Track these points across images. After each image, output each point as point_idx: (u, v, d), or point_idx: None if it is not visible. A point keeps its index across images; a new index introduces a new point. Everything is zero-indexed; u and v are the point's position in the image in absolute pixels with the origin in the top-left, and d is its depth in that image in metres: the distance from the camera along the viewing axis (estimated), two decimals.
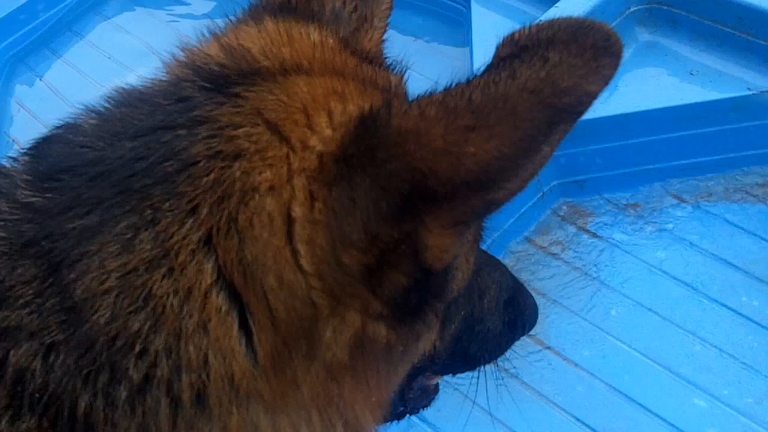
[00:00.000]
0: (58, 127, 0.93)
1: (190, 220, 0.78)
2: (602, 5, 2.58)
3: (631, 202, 2.46)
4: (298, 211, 0.78)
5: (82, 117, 0.94)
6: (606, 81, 0.75)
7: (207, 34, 1.05)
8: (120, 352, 0.75)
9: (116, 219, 0.78)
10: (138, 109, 0.88)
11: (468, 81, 0.75)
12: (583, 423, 1.98)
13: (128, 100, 0.91)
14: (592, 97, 0.75)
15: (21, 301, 0.76)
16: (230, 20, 1.07)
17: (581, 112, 0.76)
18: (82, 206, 0.79)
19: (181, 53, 1.01)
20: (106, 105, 0.93)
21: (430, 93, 0.78)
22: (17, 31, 3.61)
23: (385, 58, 1.10)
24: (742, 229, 2.31)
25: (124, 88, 0.94)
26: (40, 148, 0.90)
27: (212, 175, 0.79)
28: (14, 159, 0.87)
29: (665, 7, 2.66)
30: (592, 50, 0.75)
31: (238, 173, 0.79)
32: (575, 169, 2.49)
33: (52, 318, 0.76)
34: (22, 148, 0.89)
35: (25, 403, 0.75)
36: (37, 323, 0.75)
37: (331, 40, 1.00)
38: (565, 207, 2.52)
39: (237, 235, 0.78)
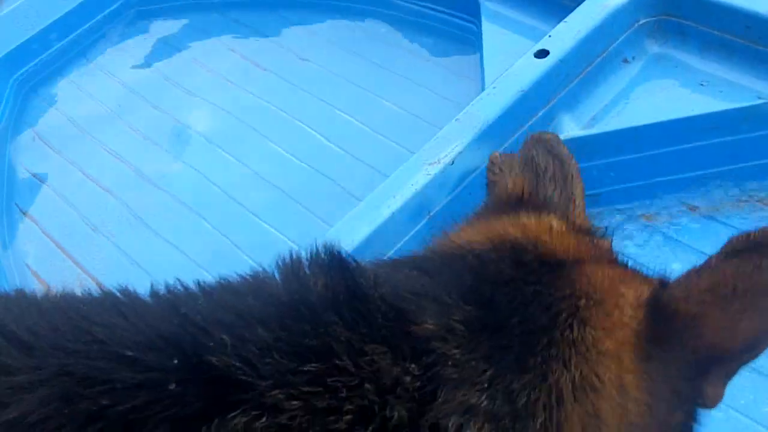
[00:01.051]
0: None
1: (566, 371, 0.95)
2: (611, 19, 2.58)
3: (645, 214, 2.45)
4: (629, 378, 0.97)
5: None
6: None
7: (461, 222, 1.27)
8: None
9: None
10: (489, 266, 1.05)
11: (715, 268, 1.00)
12: None
13: (467, 259, 1.08)
14: None
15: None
16: (480, 211, 1.31)
17: None
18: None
19: (472, 225, 1.24)
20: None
21: (692, 275, 1.01)
22: (30, 61, 3.63)
23: (591, 227, 1.32)
24: None
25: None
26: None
27: (575, 332, 0.97)
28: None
29: (674, 19, 2.66)
30: None
31: (590, 336, 0.97)
32: (589, 183, 2.44)
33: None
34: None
35: None
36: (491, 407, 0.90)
37: (563, 227, 1.20)
38: None
39: (592, 387, 0.95)
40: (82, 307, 0.93)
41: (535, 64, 2.44)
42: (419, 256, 1.14)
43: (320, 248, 0.99)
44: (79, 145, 3.26)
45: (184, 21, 3.81)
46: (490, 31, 2.94)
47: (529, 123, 2.37)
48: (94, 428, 0.79)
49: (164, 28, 3.80)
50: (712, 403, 1.07)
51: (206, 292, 0.96)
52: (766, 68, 2.43)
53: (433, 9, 3.42)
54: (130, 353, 0.83)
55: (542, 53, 2.46)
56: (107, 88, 3.53)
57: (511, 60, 2.49)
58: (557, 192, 1.29)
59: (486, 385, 0.90)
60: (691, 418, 1.09)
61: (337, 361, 0.86)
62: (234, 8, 3.78)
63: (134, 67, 3.63)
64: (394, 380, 0.87)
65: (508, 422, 0.89)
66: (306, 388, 0.83)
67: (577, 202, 1.29)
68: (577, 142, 2.41)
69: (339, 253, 0.99)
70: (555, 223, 1.18)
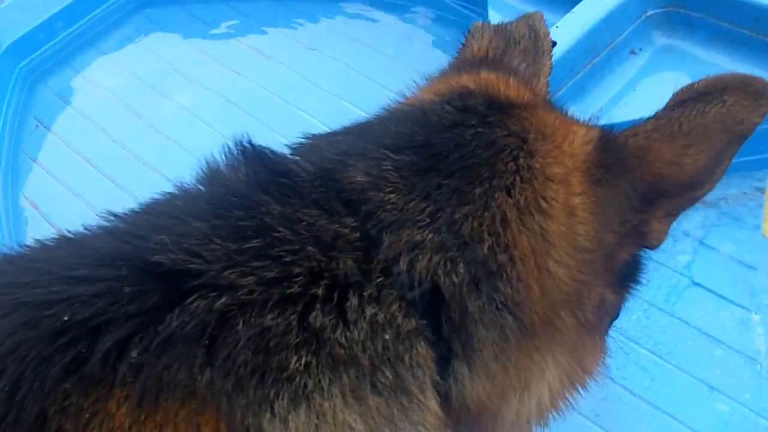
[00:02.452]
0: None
1: (509, 198, 1.02)
2: (618, 11, 2.58)
3: None
4: (577, 200, 1.04)
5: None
6: (764, 115, 1.06)
7: (422, 79, 1.34)
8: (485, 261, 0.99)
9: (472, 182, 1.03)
10: (430, 115, 1.12)
11: (663, 115, 1.09)
12: (602, 427, 1.97)
13: (411, 113, 1.15)
14: (756, 125, 1.06)
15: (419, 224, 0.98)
16: (444, 69, 1.37)
17: (748, 136, 1.07)
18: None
19: (430, 84, 1.30)
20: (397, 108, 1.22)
21: (640, 123, 1.10)
22: (36, 50, 3.64)
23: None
24: (758, 228, 2.29)
25: (392, 108, 1.22)
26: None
27: (520, 162, 1.04)
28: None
29: (682, 11, 2.65)
30: (755, 94, 1.06)
31: (537, 165, 1.04)
32: None
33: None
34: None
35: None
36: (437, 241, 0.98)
37: (522, 85, 1.25)
38: None
39: (539, 210, 1.02)
40: (26, 253, 0.98)
41: None
42: (356, 122, 1.20)
43: (231, 146, 1.06)
44: (85, 134, 3.26)
45: (190, 11, 3.81)
46: (496, 20, 2.92)
47: None
48: (63, 340, 0.82)
49: (170, 17, 3.81)
50: (657, 240, 1.15)
51: (134, 211, 1.01)
52: None
53: (441, 0, 3.42)
54: (79, 273, 0.88)
55: None
56: (113, 78, 3.53)
57: None
58: (524, 65, 1.33)
59: (428, 221, 0.98)
60: (635, 260, 1.19)
61: (275, 233, 0.93)
62: None
63: (140, 56, 3.63)
64: (333, 236, 0.94)
65: (455, 251, 0.97)
66: (254, 263, 0.90)
67: (541, 79, 1.33)
68: None
69: (250, 144, 1.06)
70: (513, 79, 1.23)
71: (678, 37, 2.67)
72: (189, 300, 0.86)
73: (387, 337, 0.93)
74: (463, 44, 1.43)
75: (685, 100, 1.09)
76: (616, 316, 1.26)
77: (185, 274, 0.88)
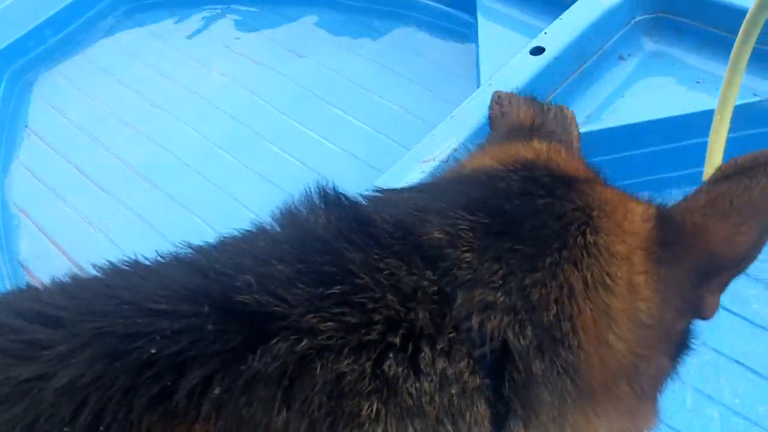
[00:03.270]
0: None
1: (576, 270, 1.03)
2: (607, 16, 2.58)
3: None
4: (640, 278, 1.05)
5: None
6: None
7: (472, 149, 1.33)
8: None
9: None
10: (497, 182, 1.12)
11: (711, 190, 1.08)
12: None
13: (477, 177, 1.16)
14: None
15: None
16: (491, 139, 1.37)
17: None
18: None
19: (484, 150, 1.30)
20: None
21: (688, 197, 1.11)
22: (25, 56, 3.64)
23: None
24: None
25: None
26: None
27: (587, 237, 1.05)
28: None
29: (670, 16, 2.66)
30: None
31: (602, 241, 1.05)
32: None
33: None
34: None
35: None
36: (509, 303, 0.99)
37: (571, 155, 1.28)
38: None
39: (604, 286, 1.04)
40: (101, 278, 0.98)
41: (530, 61, 2.44)
42: (424, 182, 1.24)
43: (311, 191, 1.06)
44: (73, 140, 3.26)
45: (178, 16, 3.81)
46: (486, 27, 2.93)
47: None
48: (150, 373, 0.83)
49: (158, 23, 3.81)
50: (710, 312, 1.14)
51: (215, 246, 1.02)
52: (762, 66, 2.41)
53: (429, 5, 3.42)
54: (162, 307, 0.88)
55: (538, 50, 2.46)
56: (101, 84, 3.53)
57: (506, 57, 2.49)
58: (559, 131, 1.36)
59: (500, 283, 0.99)
60: (688, 329, 1.19)
61: (357, 280, 0.93)
62: (228, 3, 3.79)
63: (128, 62, 3.63)
64: (413, 287, 0.95)
65: (524, 315, 0.98)
66: (336, 309, 0.91)
67: (575, 144, 1.37)
68: None
69: (329, 190, 1.06)
70: (564, 150, 1.26)
71: (667, 43, 2.67)
72: (272, 342, 0.87)
73: (453, 391, 0.93)
74: (495, 113, 1.47)
75: (729, 175, 1.09)
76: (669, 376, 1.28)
77: (269, 316, 0.89)
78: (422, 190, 1.16)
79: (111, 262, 0.99)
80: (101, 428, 0.81)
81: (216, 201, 2.88)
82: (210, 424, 0.84)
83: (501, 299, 0.98)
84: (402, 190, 1.17)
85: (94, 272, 0.99)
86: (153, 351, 0.84)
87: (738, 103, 2.29)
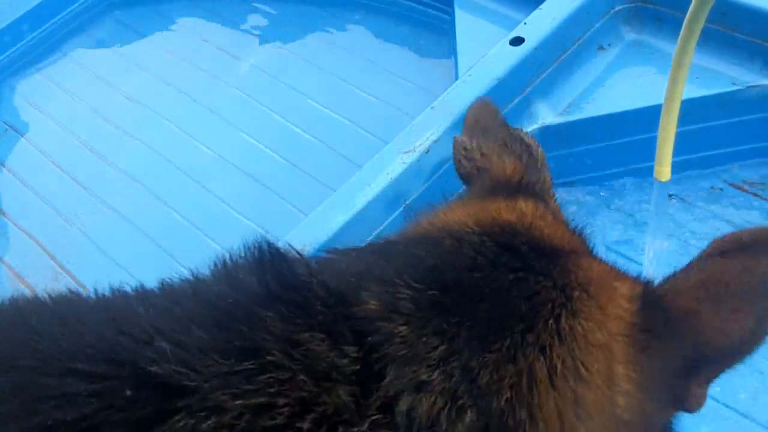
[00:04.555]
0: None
1: (542, 356, 0.93)
2: (587, 6, 2.58)
3: (621, 201, 2.45)
4: (620, 369, 0.95)
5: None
6: None
7: (452, 200, 1.25)
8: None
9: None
10: (466, 249, 1.03)
11: (704, 267, 1.01)
12: None
13: (443, 241, 1.05)
14: None
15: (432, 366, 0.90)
16: (474, 192, 1.28)
17: None
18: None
19: (464, 204, 1.20)
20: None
21: (679, 275, 1.03)
22: (2, 53, 3.61)
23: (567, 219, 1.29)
24: (731, 223, 2.31)
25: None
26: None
27: (561, 323, 0.95)
28: None
29: (650, 6, 2.66)
30: None
31: (579, 328, 0.95)
32: (565, 171, 2.48)
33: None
34: None
35: None
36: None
37: (553, 216, 1.19)
38: None
39: (576, 376, 0.93)
40: (32, 320, 0.93)
41: (510, 51, 2.43)
42: (385, 240, 1.13)
43: (251, 246, 0.99)
44: (52, 137, 3.24)
45: (157, 11, 3.78)
46: (463, 18, 2.93)
47: (505, 111, 2.36)
48: None
49: (137, 18, 3.78)
50: (696, 405, 1.06)
51: (145, 300, 0.96)
52: (740, 55, 2.42)
53: None
54: (81, 366, 0.85)
55: (517, 41, 2.45)
56: (80, 80, 3.51)
57: (484, 48, 2.48)
58: (534, 179, 1.29)
59: (439, 361, 0.89)
60: (670, 422, 1.09)
61: (269, 357, 0.86)
62: None
63: (107, 57, 3.61)
64: (330, 365, 0.87)
65: (467, 399, 0.88)
66: (245, 387, 0.84)
67: (550, 192, 1.29)
68: (552, 130, 2.42)
69: (270, 247, 0.99)
70: (550, 215, 1.17)
71: (647, 33, 2.67)
72: (177, 417, 0.82)
73: None
74: (467, 165, 1.35)
75: (726, 251, 1.01)
76: None
77: (180, 390, 0.84)
78: (375, 251, 1.06)
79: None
80: None
81: (193, 195, 2.89)
82: None
83: (438, 379, 0.88)
84: (352, 250, 1.08)
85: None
86: (59, 415, 0.81)
87: (717, 92, 2.32)
